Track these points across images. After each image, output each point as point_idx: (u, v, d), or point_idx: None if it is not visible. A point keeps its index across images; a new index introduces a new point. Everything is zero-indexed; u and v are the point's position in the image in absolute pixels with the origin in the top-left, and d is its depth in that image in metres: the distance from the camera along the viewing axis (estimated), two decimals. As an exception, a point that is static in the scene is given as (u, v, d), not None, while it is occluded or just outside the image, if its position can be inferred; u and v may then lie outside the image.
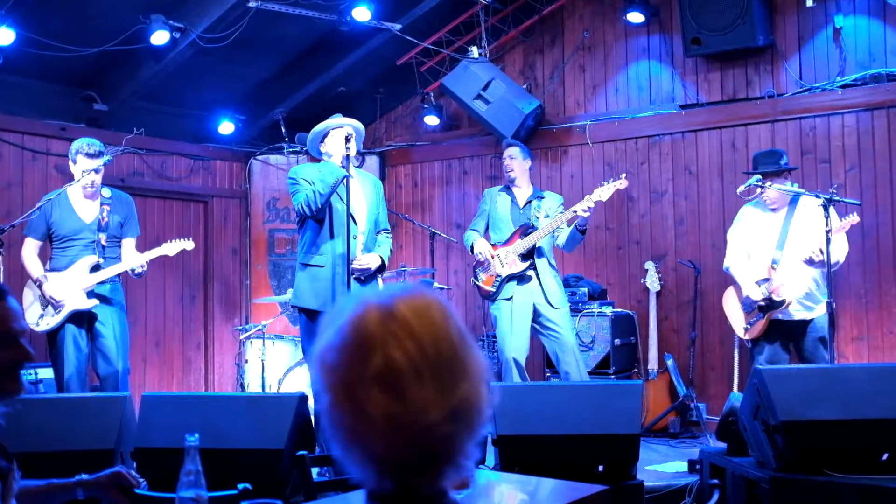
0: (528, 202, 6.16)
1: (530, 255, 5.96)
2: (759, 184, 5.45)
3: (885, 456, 3.88)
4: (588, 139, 7.51)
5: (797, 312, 5.34)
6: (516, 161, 6.18)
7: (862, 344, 6.34)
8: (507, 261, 5.97)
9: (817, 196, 5.30)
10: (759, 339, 5.51)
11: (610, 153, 7.49)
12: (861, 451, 3.88)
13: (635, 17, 7.18)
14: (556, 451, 4.24)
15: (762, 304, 5.44)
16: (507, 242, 6.02)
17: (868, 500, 3.71)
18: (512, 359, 5.88)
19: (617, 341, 6.77)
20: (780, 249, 5.42)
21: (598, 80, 7.62)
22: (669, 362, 6.67)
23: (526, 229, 5.99)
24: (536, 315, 5.95)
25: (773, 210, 5.56)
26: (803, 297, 5.37)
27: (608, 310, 6.84)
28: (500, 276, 5.98)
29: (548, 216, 6.05)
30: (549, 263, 6.04)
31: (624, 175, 5.93)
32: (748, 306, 5.53)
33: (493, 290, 6.00)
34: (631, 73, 7.46)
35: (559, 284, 6.07)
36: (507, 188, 6.26)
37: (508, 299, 5.96)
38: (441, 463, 1.28)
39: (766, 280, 5.46)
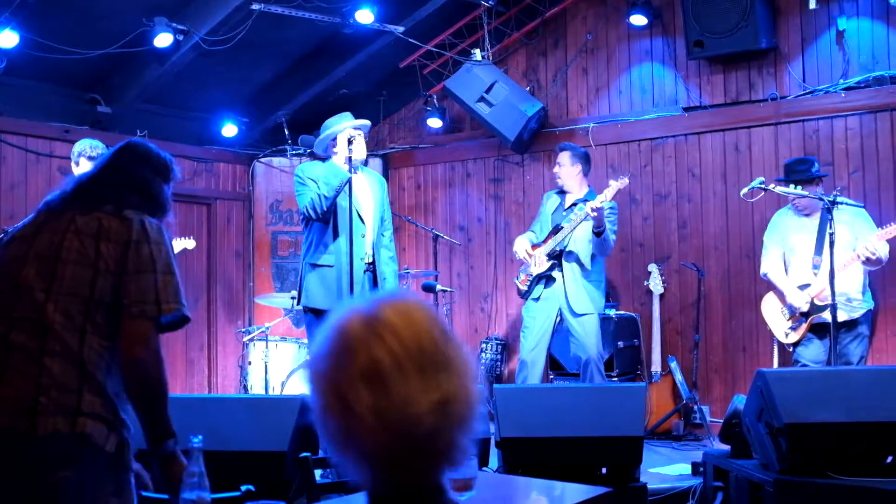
0: (574, 204, 6.16)
1: (557, 256, 5.99)
2: (763, 186, 5.47)
3: (889, 459, 3.88)
4: (591, 142, 7.50)
5: (840, 314, 5.32)
6: (564, 168, 6.19)
7: (865, 346, 6.33)
8: (539, 261, 6.04)
9: (821, 198, 5.33)
10: (802, 341, 5.55)
11: (613, 156, 7.49)
12: (865, 453, 3.88)
13: (638, 20, 7.18)
14: (559, 453, 4.24)
15: (805, 310, 5.50)
16: (543, 243, 6.09)
17: (871, 503, 3.71)
18: (529, 359, 5.94)
19: (620, 344, 6.77)
20: (818, 255, 5.45)
21: (600, 82, 7.62)
22: (673, 365, 6.67)
23: (557, 229, 6.03)
24: (561, 319, 6.00)
25: (806, 215, 5.60)
26: (849, 299, 5.42)
27: (611, 312, 6.84)
28: (531, 275, 6.05)
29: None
30: (582, 267, 5.97)
31: (627, 176, 5.95)
32: (792, 310, 5.57)
33: (525, 288, 6.08)
34: (634, 76, 7.45)
35: (588, 291, 5.99)
36: (561, 190, 6.29)
37: (536, 299, 6.04)
38: (432, 457, 1.30)
39: (807, 285, 5.51)
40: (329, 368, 1.30)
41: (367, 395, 1.26)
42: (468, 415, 1.31)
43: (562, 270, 5.99)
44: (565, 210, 6.18)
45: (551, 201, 6.31)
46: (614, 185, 5.82)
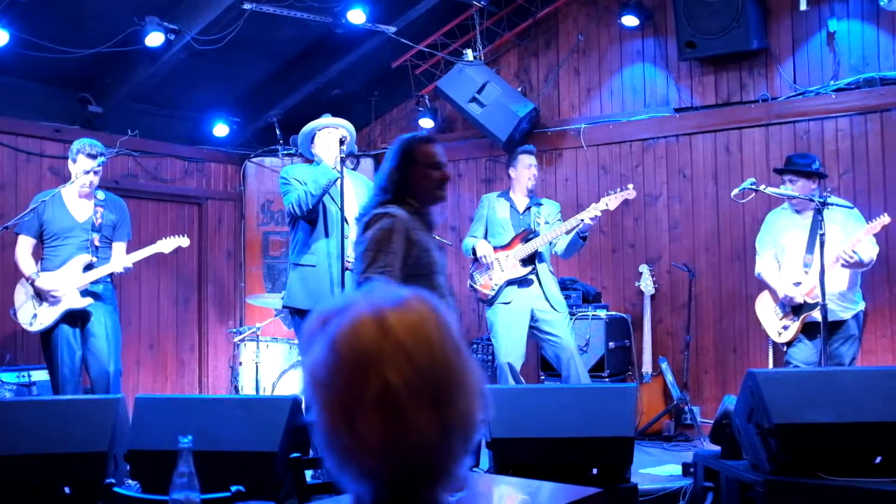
0: (528, 208, 6.19)
1: (531, 259, 5.99)
2: (753, 187, 5.48)
3: (879, 459, 3.89)
4: (582, 142, 7.52)
5: (832, 313, 5.31)
6: (536, 168, 6.28)
7: (855, 347, 6.35)
8: (508, 265, 6.00)
9: (811, 199, 5.34)
10: (794, 341, 5.56)
11: (604, 156, 7.50)
12: (855, 454, 3.89)
13: (630, 21, 7.19)
14: (550, 453, 4.24)
15: (797, 305, 5.51)
16: (508, 246, 6.05)
17: (861, 503, 3.72)
18: (507, 363, 5.90)
19: (611, 344, 6.77)
20: (810, 253, 5.46)
21: (592, 83, 7.63)
22: (663, 365, 6.68)
23: (528, 234, 6.02)
24: (534, 320, 5.98)
25: (798, 212, 5.61)
26: (838, 298, 5.42)
27: (602, 313, 6.84)
28: (498, 280, 6.00)
29: (547, 223, 6.07)
30: (549, 269, 6.08)
31: (632, 185, 5.97)
32: (784, 308, 5.58)
33: (492, 293, 6.02)
34: (625, 77, 7.47)
35: (560, 290, 6.14)
36: (506, 193, 6.29)
37: (507, 303, 5.99)
38: (437, 476, 1.29)
39: (798, 284, 5.52)
40: (335, 384, 1.24)
41: (380, 424, 1.21)
42: (474, 432, 1.29)
43: (537, 273, 6.01)
44: (521, 214, 6.19)
45: (500, 204, 6.24)
46: (620, 195, 5.85)
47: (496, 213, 6.21)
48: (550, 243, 6.05)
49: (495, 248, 6.08)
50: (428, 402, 1.22)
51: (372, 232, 3.38)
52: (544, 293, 5.95)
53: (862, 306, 5.63)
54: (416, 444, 1.23)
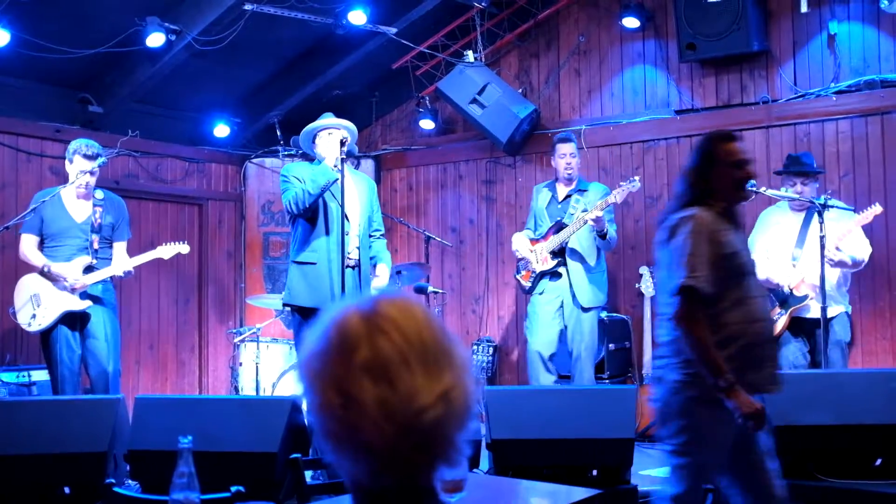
0: (568, 196, 6.21)
1: (561, 252, 6.03)
2: (754, 189, 5.47)
3: (879, 461, 3.90)
4: (583, 144, 7.50)
5: (815, 305, 5.32)
6: (576, 158, 6.29)
7: (855, 350, 6.33)
8: (541, 257, 6.08)
9: (812, 202, 5.35)
10: (781, 342, 5.57)
11: (605, 158, 7.50)
12: (854, 455, 3.90)
13: (631, 23, 7.19)
14: (550, 455, 4.25)
15: (783, 299, 5.51)
16: (544, 238, 6.13)
17: (861, 505, 3.73)
18: (537, 353, 6.04)
19: (611, 346, 6.78)
20: (799, 247, 5.49)
21: (593, 84, 7.63)
22: (664, 367, 6.67)
23: (559, 226, 6.07)
24: (561, 314, 6.06)
25: (794, 210, 5.62)
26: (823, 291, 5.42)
27: (603, 314, 6.83)
28: (535, 271, 6.09)
29: (585, 210, 6.07)
30: (585, 262, 6.06)
31: (637, 178, 6.01)
32: (772, 303, 5.59)
33: (529, 284, 6.14)
34: (626, 78, 7.47)
35: (594, 285, 6.09)
36: (552, 183, 6.36)
37: (541, 294, 6.12)
38: (432, 453, 1.29)
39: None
40: (328, 364, 1.28)
41: (372, 387, 1.25)
42: (467, 409, 1.31)
43: (566, 266, 6.06)
44: (560, 203, 6.23)
45: (542, 195, 6.37)
46: (625, 188, 5.87)
47: (538, 204, 6.35)
48: (593, 234, 6.06)
49: (535, 240, 6.17)
50: (417, 367, 1.26)
51: (678, 238, 3.19)
52: (571, 289, 6.01)
53: (848, 308, 5.60)
54: (407, 406, 1.25)
